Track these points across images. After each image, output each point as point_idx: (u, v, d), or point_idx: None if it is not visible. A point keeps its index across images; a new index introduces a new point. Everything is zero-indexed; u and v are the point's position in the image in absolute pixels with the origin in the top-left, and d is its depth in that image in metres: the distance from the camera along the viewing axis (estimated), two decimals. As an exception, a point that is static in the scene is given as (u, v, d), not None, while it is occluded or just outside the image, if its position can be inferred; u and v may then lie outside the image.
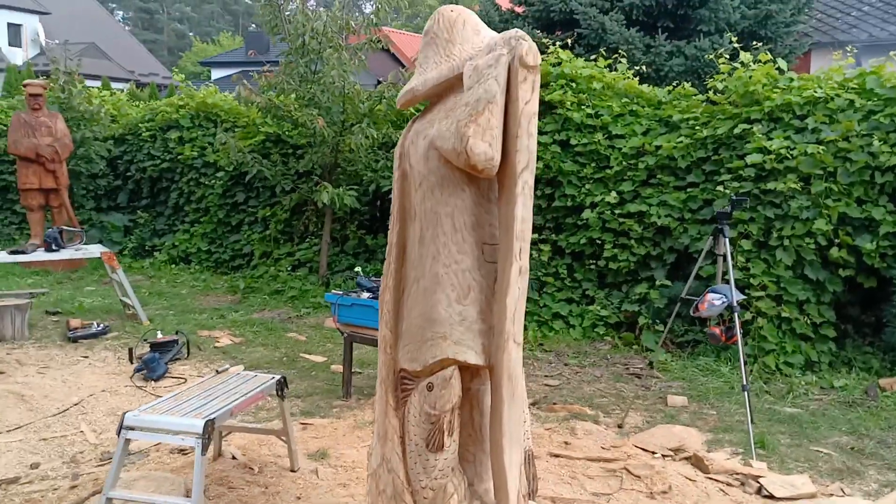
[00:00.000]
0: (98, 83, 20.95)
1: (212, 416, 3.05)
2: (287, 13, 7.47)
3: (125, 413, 3.08)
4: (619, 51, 13.67)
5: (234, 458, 3.96)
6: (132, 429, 3.04)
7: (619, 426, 4.68)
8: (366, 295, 5.05)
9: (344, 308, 5.03)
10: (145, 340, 5.87)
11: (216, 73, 31.52)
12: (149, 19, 67.08)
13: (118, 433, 3.02)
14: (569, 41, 9.19)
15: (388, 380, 2.84)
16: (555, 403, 5.06)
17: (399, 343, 2.82)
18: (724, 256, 4.38)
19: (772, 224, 6.04)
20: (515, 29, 2.72)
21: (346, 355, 5.09)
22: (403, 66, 20.67)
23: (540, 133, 7.33)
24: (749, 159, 6.16)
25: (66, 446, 4.17)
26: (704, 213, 6.46)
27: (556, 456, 4.13)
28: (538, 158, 7.24)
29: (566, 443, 4.32)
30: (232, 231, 9.34)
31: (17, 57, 31.23)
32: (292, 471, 3.86)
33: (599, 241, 6.97)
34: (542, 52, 9.99)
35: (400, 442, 2.79)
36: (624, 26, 13.55)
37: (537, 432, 4.47)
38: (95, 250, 6.72)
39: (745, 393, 4.26)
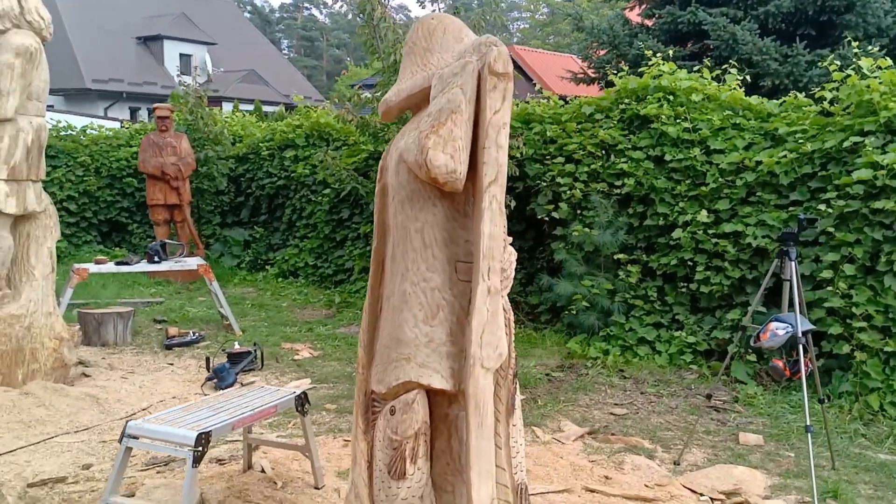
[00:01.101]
0: (251, 107, 22.40)
1: (208, 429, 3.08)
2: (381, 32, 7.59)
3: (128, 421, 3.18)
4: (753, 62, 12.94)
5: (262, 471, 4.00)
6: (135, 437, 3.13)
7: (676, 463, 4.32)
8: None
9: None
10: (224, 350, 6.11)
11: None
12: (310, 46, 70.86)
13: (120, 441, 3.13)
14: (696, 56, 8.61)
15: (359, 402, 2.76)
16: (613, 434, 4.76)
17: (372, 364, 2.74)
18: (791, 281, 3.95)
19: (880, 247, 5.41)
20: (487, 35, 2.59)
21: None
22: (535, 85, 20.58)
23: (633, 149, 7.01)
24: (857, 175, 5.56)
25: (120, 449, 4.39)
26: (807, 234, 5.89)
27: (591, 491, 3.87)
28: (629, 175, 6.93)
29: (607, 477, 4.04)
30: (336, 246, 9.59)
31: (189, 84, 33.94)
32: (316, 488, 3.84)
33: (691, 263, 6.54)
34: (640, 65, 9.61)
35: (367, 467, 2.69)
36: (757, 35, 12.77)
37: (580, 463, 4.22)
38: (193, 263, 7.10)
39: (809, 435, 3.80)
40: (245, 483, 3.85)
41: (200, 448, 3.02)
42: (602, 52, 15.21)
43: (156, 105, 9.83)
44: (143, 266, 6.90)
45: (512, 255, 2.95)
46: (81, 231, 10.99)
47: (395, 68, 7.49)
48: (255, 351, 6.01)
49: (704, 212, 6.43)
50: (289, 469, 4.08)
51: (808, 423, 3.79)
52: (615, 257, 6.89)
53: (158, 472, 3.99)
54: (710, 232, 6.42)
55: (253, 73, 33.71)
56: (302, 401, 3.74)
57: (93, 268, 6.69)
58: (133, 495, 3.60)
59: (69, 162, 10.86)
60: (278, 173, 10.48)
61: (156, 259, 6.88)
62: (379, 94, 7.71)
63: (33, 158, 4.94)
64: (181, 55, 33.92)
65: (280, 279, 9.80)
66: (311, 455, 3.81)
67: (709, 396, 4.40)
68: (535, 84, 19.56)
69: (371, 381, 2.70)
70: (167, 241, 7.55)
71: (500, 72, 2.46)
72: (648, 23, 15.37)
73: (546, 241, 7.59)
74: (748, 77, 8.07)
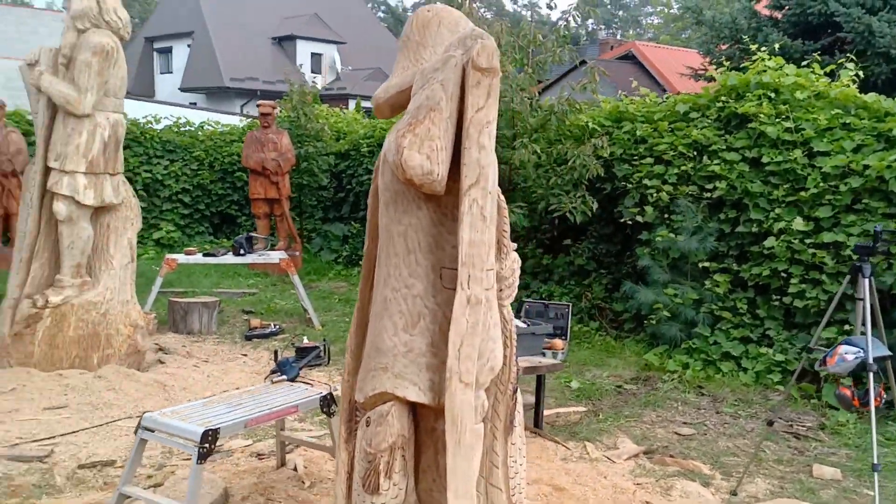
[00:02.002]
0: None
1: (216, 427, 3.09)
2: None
3: (144, 413, 3.24)
4: (891, 56, 11.87)
5: (294, 469, 4.00)
6: (150, 430, 3.18)
7: (733, 493, 3.97)
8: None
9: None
10: (293, 344, 6.20)
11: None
12: (440, 44, 71.35)
13: (135, 432, 3.19)
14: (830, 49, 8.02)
15: (344, 409, 2.67)
16: (671, 455, 4.44)
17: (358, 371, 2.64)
18: (865, 300, 3.51)
19: None
20: (473, 27, 2.43)
21: (449, 377, 4.92)
22: (658, 82, 19.82)
23: (727, 150, 6.57)
24: (977, 182, 4.94)
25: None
26: (882, 247, 5.29)
27: (627, 517, 3.61)
28: (722, 178, 6.50)
29: (648, 503, 3.76)
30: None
31: (317, 83, 35.17)
32: (343, 489, 3.79)
33: (786, 274, 6.03)
34: (741, 59, 8.94)
35: (347, 478, 2.61)
36: (896, 27, 11.71)
37: (623, 485, 3.95)
38: (276, 257, 7.26)
39: (876, 475, 3.37)
40: (274, 480, 3.86)
41: (207, 445, 3.03)
42: (724, 47, 14.43)
43: (259, 102, 10.17)
44: (229, 258, 7.13)
45: (515, 262, 2.78)
46: (195, 222, 11.55)
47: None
48: (323, 346, 6.06)
49: (800, 219, 5.92)
50: (321, 469, 4.06)
51: (875, 460, 3.37)
52: (702, 265, 6.47)
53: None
54: (808, 241, 5.90)
55: (379, 70, 34.39)
56: (328, 401, 3.69)
57: (181, 258, 6.98)
58: (160, 485, 3.68)
59: (185, 156, 11.43)
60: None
61: (241, 252, 7.09)
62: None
63: (110, 153, 5.19)
64: (312, 54, 35.19)
65: (372, 275, 9.90)
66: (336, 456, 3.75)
67: (770, 423, 4.00)
68: (657, 82, 18.85)
69: (355, 389, 2.61)
70: (253, 234, 7.78)
71: (484, 66, 2.29)
72: (778, 15, 14.43)
73: (634, 245, 7.24)
74: (883, 73, 7.31)
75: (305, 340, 6.16)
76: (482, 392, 2.62)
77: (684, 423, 5.06)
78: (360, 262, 10.29)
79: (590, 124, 7.56)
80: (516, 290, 2.79)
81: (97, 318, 5.26)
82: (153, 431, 3.20)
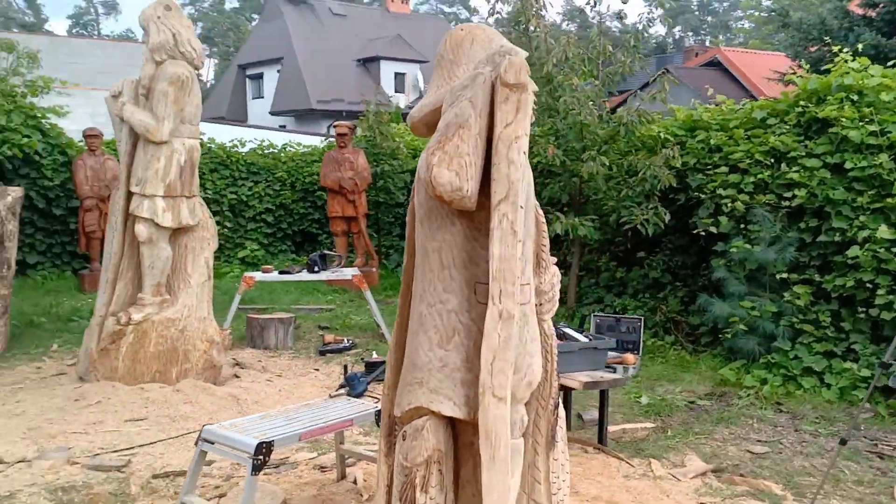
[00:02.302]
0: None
1: (270, 439, 3.18)
2: (533, 43, 7.48)
3: (204, 426, 3.37)
4: None
5: (354, 482, 4.07)
6: (210, 442, 3.31)
7: (806, 514, 3.80)
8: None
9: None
10: (362, 359, 6.31)
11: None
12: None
13: (196, 444, 3.32)
14: None
15: (384, 424, 2.71)
16: (742, 475, 4.27)
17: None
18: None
19: None
20: (504, 43, 2.44)
21: (512, 392, 4.90)
22: (745, 88, 19.21)
23: (807, 156, 6.33)
24: None
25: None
26: None
27: (687, 537, 3.50)
28: (801, 185, 6.26)
29: (710, 524, 3.64)
30: (502, 259, 9.57)
31: (401, 101, 35.78)
32: (401, 503, 3.83)
33: (871, 285, 5.73)
34: (821, 62, 8.57)
35: (386, 492, 2.64)
36: None
37: (683, 501, 3.83)
38: (349, 273, 7.42)
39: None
40: (333, 493, 3.93)
41: (261, 457, 3.13)
42: (812, 49, 13.89)
43: (336, 123, 10.43)
44: (304, 275, 7.33)
45: (555, 276, 2.76)
46: (277, 241, 11.92)
47: (548, 78, 7.36)
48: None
49: (886, 227, 5.63)
50: (380, 482, 4.10)
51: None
52: (781, 277, 6.22)
53: (275, 474, 4.19)
54: (895, 250, 5.60)
55: (463, 87, 34.64)
56: (383, 416, 3.74)
57: (258, 276, 7.21)
58: (224, 495, 3.81)
59: (268, 177, 11.83)
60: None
61: (315, 269, 7.27)
62: (540, 109, 7.60)
63: (186, 177, 5.44)
64: (395, 74, 35.83)
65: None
66: (395, 471, 3.80)
67: (844, 442, 3.79)
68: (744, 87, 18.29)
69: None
70: (327, 251, 7.97)
71: (513, 82, 2.30)
72: (872, 13, 13.81)
73: (710, 257, 7.03)
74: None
75: (374, 355, 6.28)
76: (521, 407, 2.62)
77: (759, 440, 4.86)
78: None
79: (662, 134, 7.41)
80: (557, 305, 2.77)
81: (176, 334, 5.51)
82: (213, 443, 3.32)
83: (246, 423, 3.45)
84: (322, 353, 6.96)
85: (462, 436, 2.59)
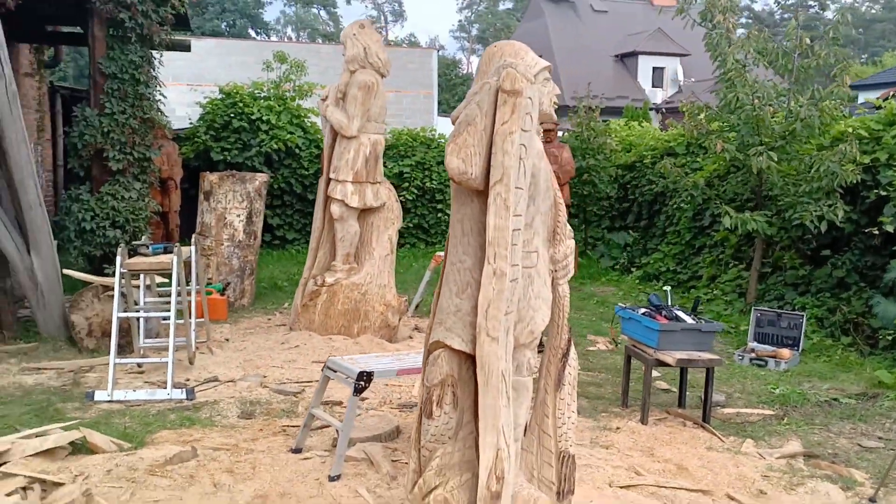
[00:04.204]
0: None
1: (370, 370, 4.06)
2: (713, 40, 7.57)
3: (329, 357, 4.33)
4: None
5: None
6: (332, 370, 4.26)
7: (871, 500, 3.85)
8: (640, 311, 5.18)
9: (624, 321, 5.29)
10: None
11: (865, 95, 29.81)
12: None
13: (322, 370, 4.30)
14: None
15: (424, 355, 3.42)
16: (833, 462, 4.34)
17: (436, 325, 3.37)
18: None
19: None
20: (506, 58, 3.02)
21: (626, 366, 5.32)
22: None
23: None
24: None
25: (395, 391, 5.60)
26: None
27: (732, 499, 3.77)
28: None
29: (762, 492, 3.86)
30: (695, 253, 9.64)
31: (657, 96, 35.25)
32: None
33: None
34: None
35: (420, 408, 3.35)
36: None
37: (750, 476, 4.06)
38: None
39: None
40: (441, 428, 4.71)
41: (362, 382, 4.01)
42: None
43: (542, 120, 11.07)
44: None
45: (569, 248, 3.30)
46: (494, 229, 12.88)
47: (727, 76, 7.45)
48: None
49: None
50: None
51: None
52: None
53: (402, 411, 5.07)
54: None
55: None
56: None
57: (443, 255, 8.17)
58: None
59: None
60: (657, 180, 10.87)
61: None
62: (721, 103, 7.72)
63: (370, 166, 6.53)
64: (654, 68, 35.37)
65: (642, 282, 10.22)
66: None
67: None
68: None
69: (429, 338, 3.36)
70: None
71: (508, 89, 2.93)
72: None
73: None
74: None
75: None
76: (528, 351, 3.23)
77: (880, 437, 4.80)
78: (635, 269, 10.81)
79: (852, 129, 7.15)
80: (572, 272, 3.31)
81: (358, 296, 6.63)
82: (334, 371, 4.27)
83: (363, 358, 4.37)
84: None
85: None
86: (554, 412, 3.28)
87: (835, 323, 7.08)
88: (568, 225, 3.31)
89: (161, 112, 8.24)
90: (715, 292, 8.59)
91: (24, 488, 3.51)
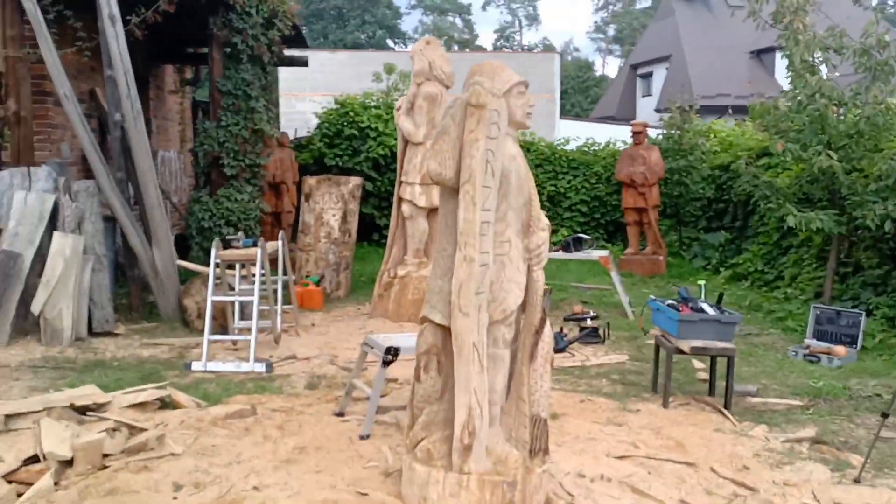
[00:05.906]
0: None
1: (397, 346, 4.68)
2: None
3: (367, 335, 4.98)
4: None
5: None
6: (370, 346, 4.92)
7: (856, 481, 4.04)
8: (667, 303, 5.48)
9: (655, 313, 5.61)
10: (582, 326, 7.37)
11: None
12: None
13: (361, 345, 4.96)
14: None
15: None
16: (837, 448, 4.52)
17: (434, 305, 3.92)
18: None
19: None
20: (476, 78, 3.53)
21: (655, 355, 5.63)
22: None
23: None
24: None
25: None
26: None
27: (714, 472, 4.08)
28: None
29: (746, 468, 4.14)
30: (782, 253, 9.58)
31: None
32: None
33: None
34: None
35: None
36: None
37: (742, 454, 4.33)
38: (597, 255, 8.46)
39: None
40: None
41: (389, 356, 4.64)
42: None
43: (632, 122, 11.31)
44: (559, 255, 8.58)
45: (541, 239, 3.77)
46: (591, 229, 13.19)
47: (803, 71, 7.49)
48: (605, 326, 7.12)
49: None
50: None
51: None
52: None
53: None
54: None
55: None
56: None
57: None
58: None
59: (586, 172, 13.16)
60: (750, 180, 10.80)
61: (569, 250, 8.48)
62: (790, 104, 7.75)
63: (436, 169, 7.16)
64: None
65: (729, 282, 10.23)
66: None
67: (885, 415, 3.84)
68: None
69: (426, 313, 3.92)
70: (581, 235, 9.04)
71: (474, 103, 3.47)
72: None
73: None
74: None
75: (589, 321, 7.33)
76: (502, 327, 3.73)
77: (908, 433, 4.88)
78: (727, 269, 10.94)
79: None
80: (545, 260, 3.78)
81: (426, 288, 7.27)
82: (371, 347, 4.92)
83: (396, 336, 5.00)
84: (566, 320, 8.15)
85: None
86: (528, 381, 3.77)
87: (906, 324, 6.99)
88: (544, 218, 3.79)
89: (269, 123, 9.26)
90: (794, 291, 8.57)
91: (113, 429, 4.39)
